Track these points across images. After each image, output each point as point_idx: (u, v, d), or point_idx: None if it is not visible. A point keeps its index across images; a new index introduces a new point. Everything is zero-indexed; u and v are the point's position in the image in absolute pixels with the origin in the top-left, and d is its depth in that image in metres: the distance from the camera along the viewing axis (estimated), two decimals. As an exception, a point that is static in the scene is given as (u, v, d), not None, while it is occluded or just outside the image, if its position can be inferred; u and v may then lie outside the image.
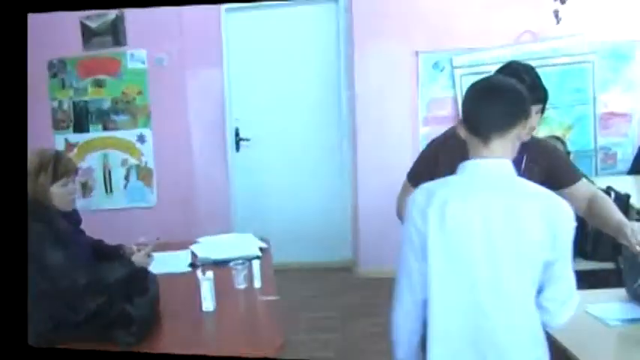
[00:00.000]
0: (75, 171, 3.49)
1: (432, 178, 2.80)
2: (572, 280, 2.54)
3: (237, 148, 7.19)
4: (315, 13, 7.06)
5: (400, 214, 3.35)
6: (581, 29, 6.79)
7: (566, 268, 2.50)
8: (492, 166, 2.51)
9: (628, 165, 7.07)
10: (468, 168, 2.54)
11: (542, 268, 2.46)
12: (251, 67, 7.06)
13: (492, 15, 6.72)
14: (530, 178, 2.66)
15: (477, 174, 2.52)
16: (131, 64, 6.83)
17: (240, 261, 3.96)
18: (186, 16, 6.66)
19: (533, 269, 2.45)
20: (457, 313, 2.51)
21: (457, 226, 2.45)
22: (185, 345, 3.26)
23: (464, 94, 2.62)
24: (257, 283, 3.89)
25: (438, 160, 3.32)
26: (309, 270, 7.11)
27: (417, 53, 6.75)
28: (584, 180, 3.46)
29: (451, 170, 2.65)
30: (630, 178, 6.60)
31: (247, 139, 7.17)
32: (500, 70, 3.33)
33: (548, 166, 3.33)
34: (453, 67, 6.79)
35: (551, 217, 2.41)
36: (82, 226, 3.73)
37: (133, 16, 6.66)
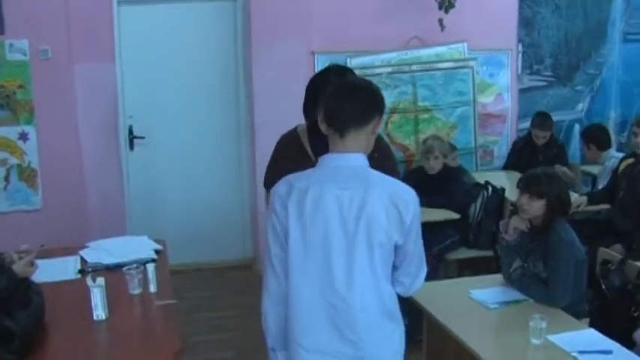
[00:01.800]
0: None
1: None
2: (421, 255, 2.66)
3: (132, 146, 6.56)
4: (213, 9, 6.58)
5: None
6: (463, 37, 6.93)
7: (416, 246, 2.60)
8: (347, 159, 2.55)
9: (503, 161, 7.32)
10: (326, 161, 2.59)
11: (392, 250, 2.55)
12: (145, 62, 6.42)
13: (384, 20, 6.71)
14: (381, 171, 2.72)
15: (333, 166, 2.56)
16: (10, 55, 5.89)
17: (134, 265, 3.58)
18: (73, 4, 5.92)
19: (383, 251, 2.52)
20: (315, 297, 2.53)
21: (314, 215, 2.50)
22: (75, 357, 2.93)
23: (326, 91, 2.65)
24: (152, 288, 3.54)
25: (278, 166, 3.45)
26: (208, 270, 6.71)
27: (312, 53, 6.56)
28: None
29: (290, 170, 2.85)
30: (504, 174, 6.87)
31: (142, 137, 6.55)
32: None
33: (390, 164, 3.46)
34: (347, 68, 6.55)
35: (398, 204, 2.49)
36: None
37: (12, 1, 5.79)
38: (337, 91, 2.60)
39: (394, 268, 2.61)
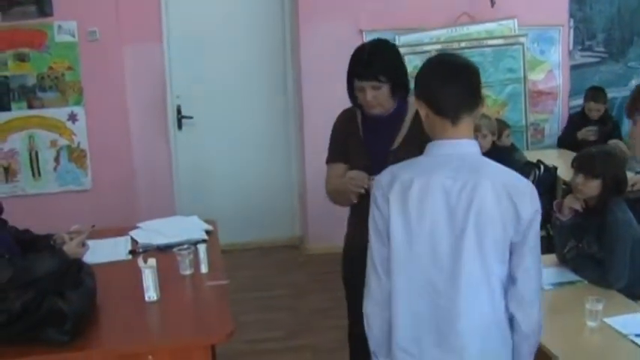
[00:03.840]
0: None
1: (346, 160, 3.31)
2: (539, 272, 2.34)
3: (180, 126, 6.54)
4: (261, -11, 6.54)
5: (332, 199, 3.43)
6: (514, 13, 6.79)
7: (533, 253, 2.30)
8: (460, 146, 2.33)
9: (554, 139, 7.20)
10: (435, 149, 2.36)
11: (507, 248, 2.29)
12: (193, 42, 6.37)
13: (432, -3, 6.59)
14: None
15: (443, 154, 2.33)
16: (59, 37, 5.89)
17: (185, 246, 3.54)
18: (121, -15, 5.94)
19: (497, 248, 2.27)
20: (419, 297, 2.34)
21: (419, 209, 2.29)
22: (127, 340, 2.91)
23: (421, 74, 2.41)
24: (204, 268, 3.48)
25: (334, 137, 3.46)
26: (257, 249, 6.70)
27: (361, 32, 6.42)
28: None
29: (342, 144, 3.13)
30: (556, 152, 6.78)
31: (190, 117, 6.52)
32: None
33: None
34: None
35: (513, 195, 2.24)
36: (5, 215, 3.20)
37: (61, -17, 5.83)
38: (442, 74, 2.35)
39: (511, 280, 2.31)
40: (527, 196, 2.26)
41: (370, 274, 2.42)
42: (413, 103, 3.16)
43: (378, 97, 3.17)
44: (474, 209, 2.24)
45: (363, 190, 3.14)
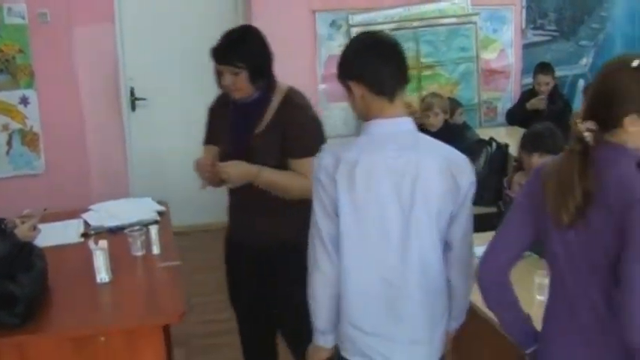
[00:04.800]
0: None
1: (216, 138, 3.39)
2: (471, 236, 2.49)
3: (133, 108, 6.47)
4: (213, -33, 6.47)
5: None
6: (466, -8, 6.87)
7: (468, 221, 2.44)
8: (398, 124, 2.38)
9: None
10: (373, 128, 2.38)
11: (448, 221, 2.38)
12: (145, 23, 6.29)
13: (386, -24, 6.60)
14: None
15: (383, 133, 2.37)
16: (8, 20, 5.76)
17: (137, 227, 3.53)
18: (69, -35, 5.84)
19: (440, 223, 2.36)
20: (370, 274, 2.38)
21: (366, 188, 2.32)
22: (78, 322, 2.90)
23: (353, 54, 2.42)
24: (156, 250, 3.47)
25: (216, 125, 3.49)
26: (214, 231, 6.40)
27: (313, 12, 6.43)
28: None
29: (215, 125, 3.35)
30: (508, 129, 6.79)
31: (143, 99, 6.45)
32: None
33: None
34: (349, 26, 6.55)
35: (453, 170, 2.33)
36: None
37: (9, -35, 5.71)
38: (379, 53, 2.37)
39: (447, 247, 2.43)
40: (465, 168, 2.36)
41: (319, 252, 2.40)
42: (279, 93, 3.25)
43: (236, 83, 3.16)
44: (420, 184, 2.30)
45: (208, 176, 3.25)
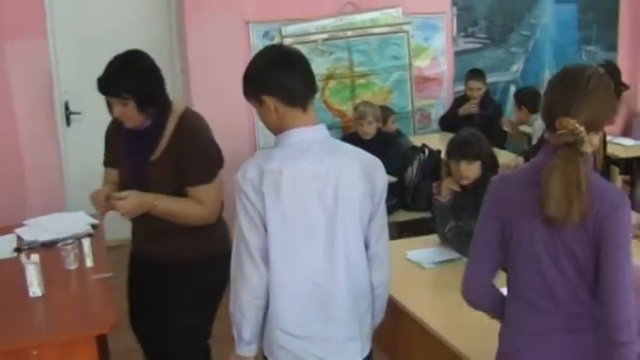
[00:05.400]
0: None
1: (114, 162, 3.33)
2: (387, 231, 2.61)
3: (68, 122, 6.42)
4: (146, -20, 6.46)
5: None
6: (397, 2, 6.98)
7: (384, 218, 2.55)
8: (314, 132, 2.44)
9: None
10: (290, 137, 2.42)
11: (368, 221, 2.48)
12: (79, 37, 6.25)
13: (318, -13, 6.69)
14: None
15: (301, 141, 2.41)
16: None
17: (70, 241, 3.52)
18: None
19: (362, 223, 2.47)
20: (301, 281, 2.43)
21: (292, 197, 2.36)
22: (10, 336, 2.88)
23: (259, 70, 2.44)
24: (89, 262, 3.48)
25: (112, 150, 3.41)
26: None
27: (247, 23, 6.48)
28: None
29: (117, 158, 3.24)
30: (440, 135, 6.88)
31: (78, 113, 6.40)
32: None
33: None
34: (282, 37, 6.62)
35: (370, 173, 2.44)
36: None
37: None
38: (286, 65, 2.43)
39: (365, 246, 2.53)
40: (379, 170, 2.49)
41: (246, 265, 2.40)
42: (174, 117, 3.19)
43: (126, 113, 3.10)
44: (342, 188, 2.39)
45: (103, 210, 3.24)
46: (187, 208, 3.15)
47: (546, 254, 2.19)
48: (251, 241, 2.38)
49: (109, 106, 3.16)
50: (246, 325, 2.46)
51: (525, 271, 2.27)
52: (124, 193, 3.11)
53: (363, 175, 2.42)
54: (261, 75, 2.42)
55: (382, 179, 2.49)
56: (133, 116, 3.10)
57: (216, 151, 3.26)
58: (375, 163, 2.49)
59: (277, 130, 2.45)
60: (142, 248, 3.38)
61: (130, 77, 3.07)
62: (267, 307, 2.46)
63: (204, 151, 3.20)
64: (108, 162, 3.47)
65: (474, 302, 2.47)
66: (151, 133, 3.19)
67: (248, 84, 2.46)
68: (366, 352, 2.61)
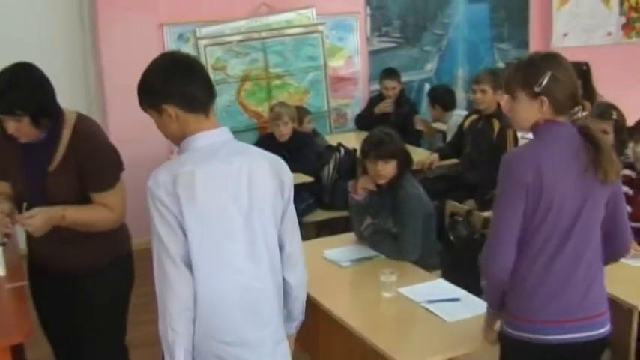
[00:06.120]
0: None
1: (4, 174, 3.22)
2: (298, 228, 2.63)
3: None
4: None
5: None
6: (311, 2, 7.03)
7: (293, 212, 2.57)
8: (219, 135, 2.46)
9: None
10: (197, 141, 2.41)
11: (280, 219, 2.51)
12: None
13: (231, -12, 6.67)
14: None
15: (209, 144, 2.41)
16: None
17: (-17, 249, 3.41)
18: None
19: (277, 222, 2.49)
20: (226, 283, 2.39)
21: (207, 195, 2.34)
22: None
23: (155, 80, 2.42)
24: (1, 271, 3.39)
25: (3, 162, 3.23)
26: None
27: (161, 25, 6.44)
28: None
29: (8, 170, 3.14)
30: (356, 134, 6.92)
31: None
32: None
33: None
34: (197, 39, 6.60)
35: (279, 172, 2.48)
36: None
37: None
38: (184, 73, 2.41)
39: (281, 248, 2.53)
40: (285, 168, 2.53)
41: (171, 273, 2.32)
42: (68, 126, 3.12)
43: (21, 129, 3.00)
44: (254, 186, 2.41)
45: (9, 231, 3.17)
46: (96, 215, 3.11)
47: (582, 210, 2.54)
48: (172, 248, 2.32)
49: (1, 123, 3.03)
50: (178, 344, 2.34)
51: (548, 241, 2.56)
52: (30, 213, 3.02)
53: (271, 172, 2.46)
54: (158, 84, 2.40)
55: (289, 176, 2.53)
56: (28, 132, 3.01)
57: (116, 155, 3.22)
58: (281, 161, 2.54)
59: (179, 138, 2.44)
60: (44, 255, 3.28)
61: (21, 94, 2.94)
62: (194, 319, 2.38)
63: (105, 157, 3.15)
64: None
65: (499, 277, 2.62)
66: (47, 144, 3.11)
67: (146, 94, 2.43)
68: (290, 353, 2.63)
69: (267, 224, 2.45)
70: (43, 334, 3.49)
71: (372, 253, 3.86)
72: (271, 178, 2.45)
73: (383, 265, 3.62)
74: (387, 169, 3.85)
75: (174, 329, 2.32)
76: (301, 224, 5.57)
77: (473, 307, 3.17)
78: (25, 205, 3.05)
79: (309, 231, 5.60)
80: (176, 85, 2.38)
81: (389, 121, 6.26)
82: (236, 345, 2.42)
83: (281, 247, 2.53)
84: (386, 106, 6.83)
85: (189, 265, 2.33)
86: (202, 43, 6.53)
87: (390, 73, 6.99)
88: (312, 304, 3.29)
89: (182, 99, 2.38)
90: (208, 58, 6.53)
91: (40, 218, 3.00)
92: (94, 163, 3.09)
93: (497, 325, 2.79)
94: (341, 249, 3.93)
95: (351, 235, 4.09)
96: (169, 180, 2.32)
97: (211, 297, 2.37)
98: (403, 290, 3.35)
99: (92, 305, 3.25)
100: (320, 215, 5.78)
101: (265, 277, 2.45)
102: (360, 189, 3.96)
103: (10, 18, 6.13)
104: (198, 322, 2.37)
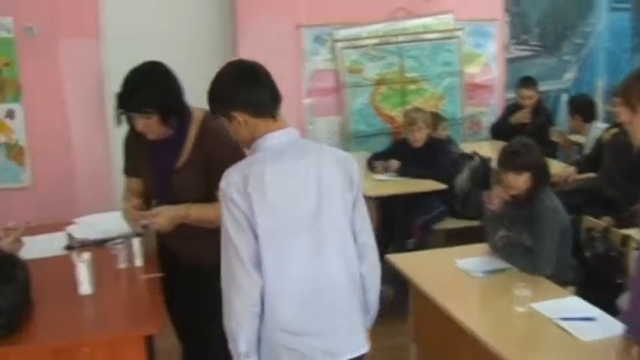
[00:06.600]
0: None
1: (137, 171, 3.35)
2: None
3: (119, 122, 6.40)
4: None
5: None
6: (449, 8, 6.98)
7: (364, 205, 2.62)
8: (287, 135, 2.54)
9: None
10: (267, 142, 2.50)
11: (351, 209, 2.55)
12: (131, 37, 6.27)
13: (369, -8, 6.70)
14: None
15: (277, 144, 2.50)
16: None
17: (120, 240, 3.54)
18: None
19: (347, 215, 2.54)
20: (294, 277, 2.46)
21: (277, 192, 2.42)
22: (61, 333, 2.88)
23: (222, 89, 2.54)
24: (138, 262, 3.49)
25: (134, 158, 3.39)
26: None
27: (298, 27, 6.54)
28: None
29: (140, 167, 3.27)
30: (490, 144, 6.82)
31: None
32: None
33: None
34: (334, 41, 6.66)
35: (344, 165, 2.55)
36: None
37: (-5, -22, 5.79)
38: (248, 80, 2.51)
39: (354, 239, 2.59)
40: (353, 162, 2.59)
41: (238, 272, 2.39)
42: (195, 124, 3.19)
43: (149, 126, 3.09)
44: (324, 181, 2.48)
45: (139, 226, 3.26)
46: (219, 212, 3.16)
47: None
48: (241, 247, 2.39)
49: (130, 119, 3.15)
50: (241, 337, 2.42)
51: None
52: (154, 211, 3.14)
53: (339, 168, 2.52)
54: (227, 93, 2.51)
55: (356, 171, 2.57)
56: (156, 129, 3.11)
57: (242, 152, 3.26)
58: (348, 156, 2.61)
59: (249, 141, 2.54)
60: (175, 249, 3.37)
61: (152, 92, 3.05)
62: (262, 312, 2.45)
63: (230, 155, 3.12)
64: (129, 171, 3.47)
65: None
66: (174, 141, 3.20)
67: (216, 103, 2.55)
68: (368, 346, 2.65)
69: (337, 219, 2.50)
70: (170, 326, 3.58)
71: (504, 265, 3.76)
72: (339, 174, 2.51)
73: (516, 278, 3.54)
74: (518, 181, 3.76)
75: (239, 323, 2.42)
76: (432, 231, 5.60)
77: (609, 327, 2.99)
78: (154, 201, 3.13)
79: (439, 238, 5.57)
80: (243, 93, 2.48)
81: (525, 132, 6.04)
82: (307, 335, 2.48)
83: (355, 234, 2.58)
84: (523, 116, 6.64)
85: (256, 264, 2.40)
86: (339, 45, 6.58)
87: (528, 81, 6.79)
88: (441, 312, 3.39)
89: (249, 106, 2.47)
90: (344, 61, 6.58)
91: (164, 216, 3.12)
92: (221, 164, 3.11)
93: (635, 350, 2.63)
94: (474, 259, 3.87)
95: (484, 246, 4.01)
96: (240, 179, 2.40)
97: (279, 292, 2.43)
98: (536, 305, 3.24)
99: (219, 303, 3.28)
100: (451, 223, 5.69)
101: (338, 270, 2.51)
102: (495, 198, 3.87)
103: (151, 16, 6.38)
104: (266, 318, 2.44)
